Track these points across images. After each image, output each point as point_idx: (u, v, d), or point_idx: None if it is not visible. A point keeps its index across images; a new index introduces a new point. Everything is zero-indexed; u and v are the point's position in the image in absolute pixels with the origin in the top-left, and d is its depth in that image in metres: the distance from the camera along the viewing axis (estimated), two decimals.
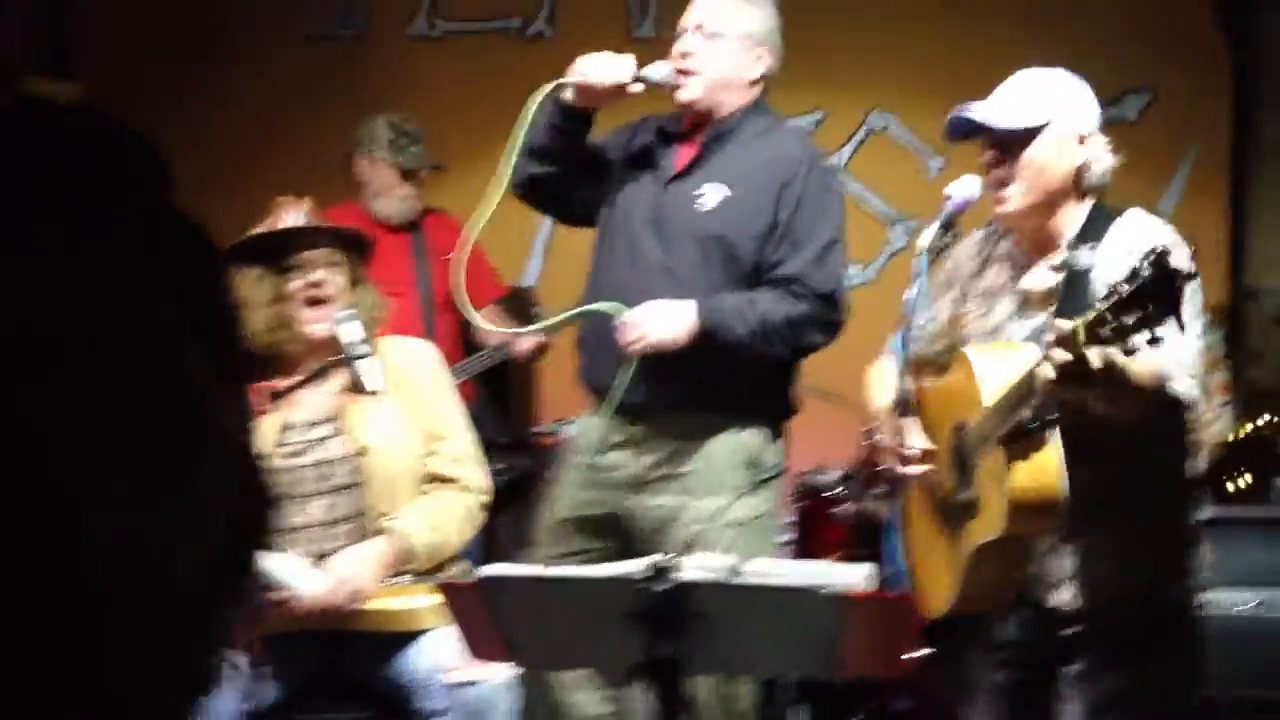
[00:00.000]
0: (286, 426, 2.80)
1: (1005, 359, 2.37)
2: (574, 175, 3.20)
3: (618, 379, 3.00)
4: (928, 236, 2.44)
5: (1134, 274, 1.97)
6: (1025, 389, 2.21)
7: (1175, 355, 2.21)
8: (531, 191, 3.22)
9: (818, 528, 4.31)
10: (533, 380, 5.31)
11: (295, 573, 2.64)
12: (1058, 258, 2.46)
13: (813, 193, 3.07)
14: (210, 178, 5.41)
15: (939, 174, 5.02)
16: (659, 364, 3.00)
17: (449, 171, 4.57)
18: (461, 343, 4.49)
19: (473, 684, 2.66)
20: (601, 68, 3.05)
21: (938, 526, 2.55)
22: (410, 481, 2.82)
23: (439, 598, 2.42)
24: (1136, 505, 2.45)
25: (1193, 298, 2.11)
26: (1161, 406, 2.31)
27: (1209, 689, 2.57)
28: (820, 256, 3.04)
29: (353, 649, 2.75)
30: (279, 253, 2.83)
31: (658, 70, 3.11)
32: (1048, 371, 2.10)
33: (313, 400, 2.81)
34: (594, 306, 3.05)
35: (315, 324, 2.78)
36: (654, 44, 5.30)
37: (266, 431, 2.75)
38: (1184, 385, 2.28)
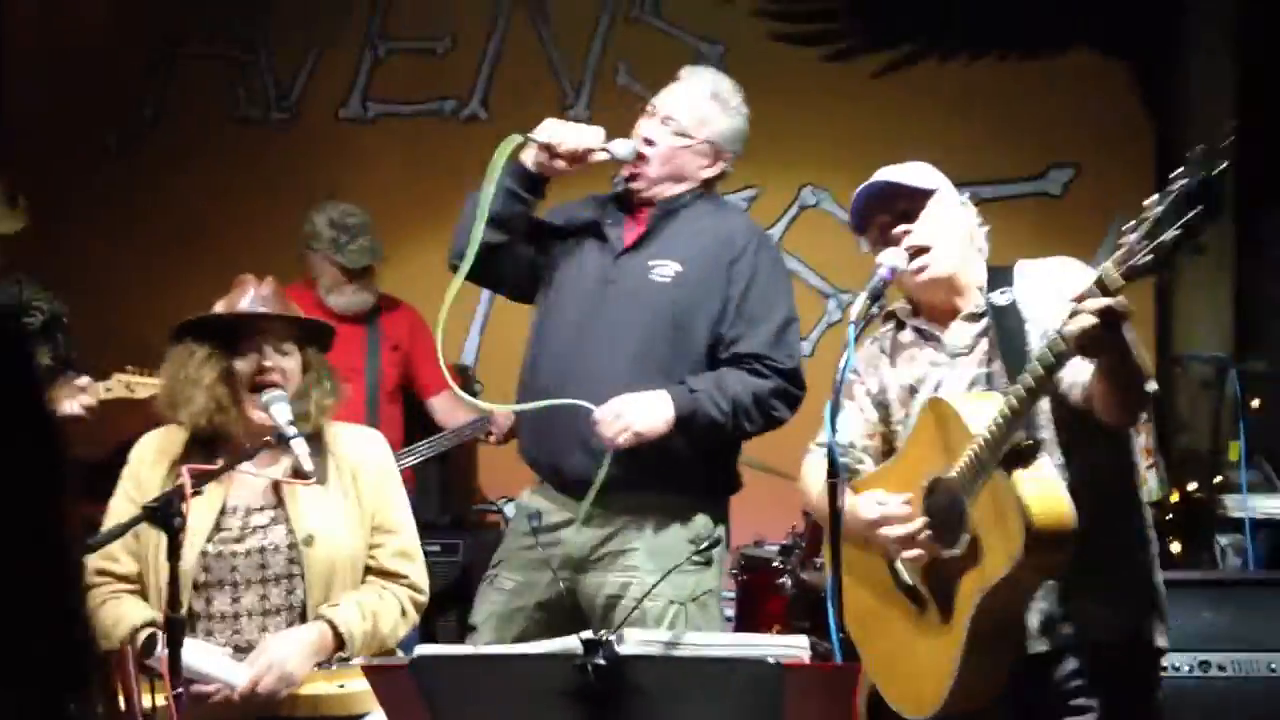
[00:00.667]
0: (226, 510, 2.76)
1: (979, 401, 2.44)
2: (521, 246, 3.20)
3: (599, 472, 2.98)
4: (857, 307, 2.47)
5: (1165, 193, 2.07)
6: (1025, 403, 2.28)
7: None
8: (480, 262, 3.09)
9: (758, 600, 4.30)
10: (473, 458, 5.29)
11: (218, 664, 2.58)
12: (969, 309, 2.60)
13: (764, 270, 3.13)
14: (140, 262, 5.38)
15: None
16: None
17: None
18: (404, 433, 4.47)
19: None
20: (572, 131, 3.09)
21: (911, 620, 2.55)
22: (349, 574, 2.77)
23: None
24: (1120, 546, 2.50)
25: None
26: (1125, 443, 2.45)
27: None
28: (779, 333, 3.10)
29: None
30: (232, 332, 2.79)
31: (622, 147, 3.14)
32: (1082, 321, 2.14)
33: (255, 485, 2.77)
34: (567, 401, 3.00)
35: (257, 408, 2.75)
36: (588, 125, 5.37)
37: (203, 513, 2.70)
38: (1152, 385, 2.38)
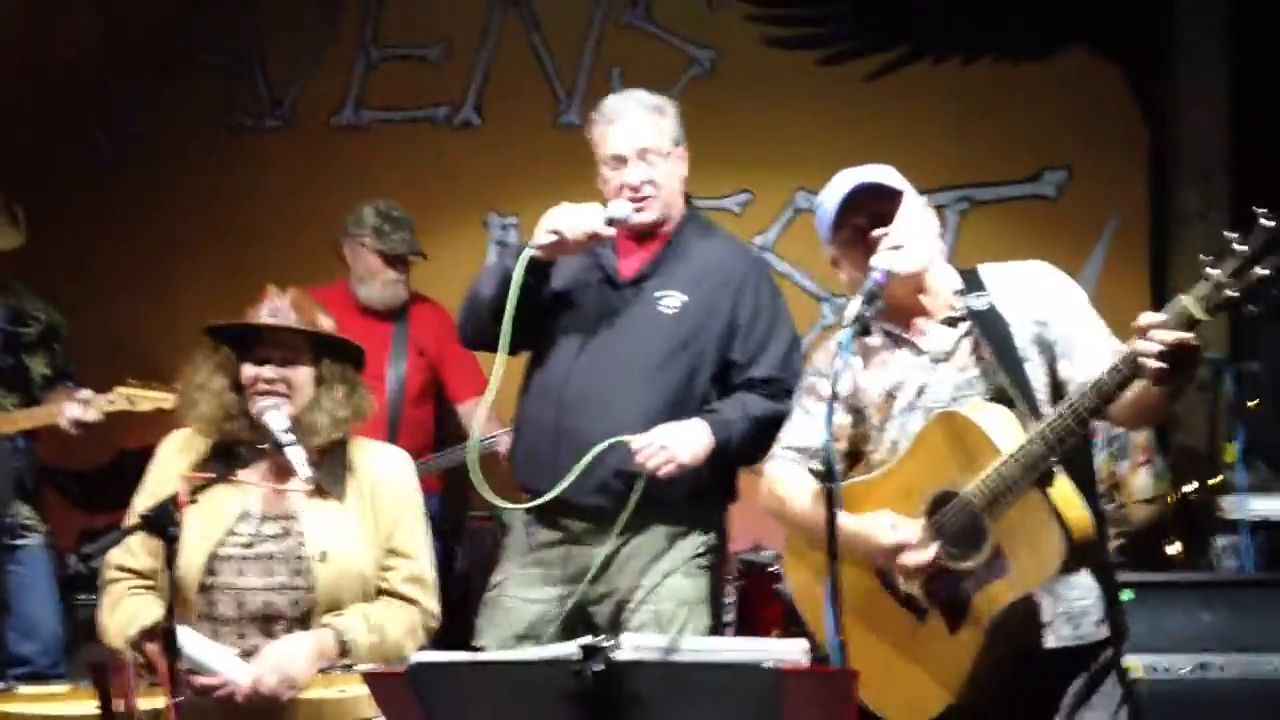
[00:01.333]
0: (242, 516, 2.78)
1: (998, 416, 2.46)
2: (531, 317, 3.21)
3: (631, 498, 3.10)
4: (852, 309, 2.47)
5: (1244, 233, 2.07)
6: (1077, 427, 2.31)
7: None
8: (492, 342, 3.15)
9: (757, 605, 4.29)
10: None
11: (222, 660, 2.58)
12: (944, 314, 2.61)
13: (765, 295, 3.26)
14: (135, 272, 5.37)
15: None
16: (617, 470, 3.11)
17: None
18: (433, 437, 4.48)
19: None
20: (576, 220, 3.12)
21: (907, 629, 2.56)
22: (358, 593, 2.78)
23: None
24: (1104, 547, 2.56)
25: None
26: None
27: None
28: (788, 354, 3.23)
29: None
30: (249, 342, 2.82)
31: (621, 209, 3.18)
32: (1151, 361, 2.16)
33: (275, 494, 2.79)
34: (611, 440, 3.07)
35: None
36: (580, 131, 5.37)
37: (218, 517, 2.73)
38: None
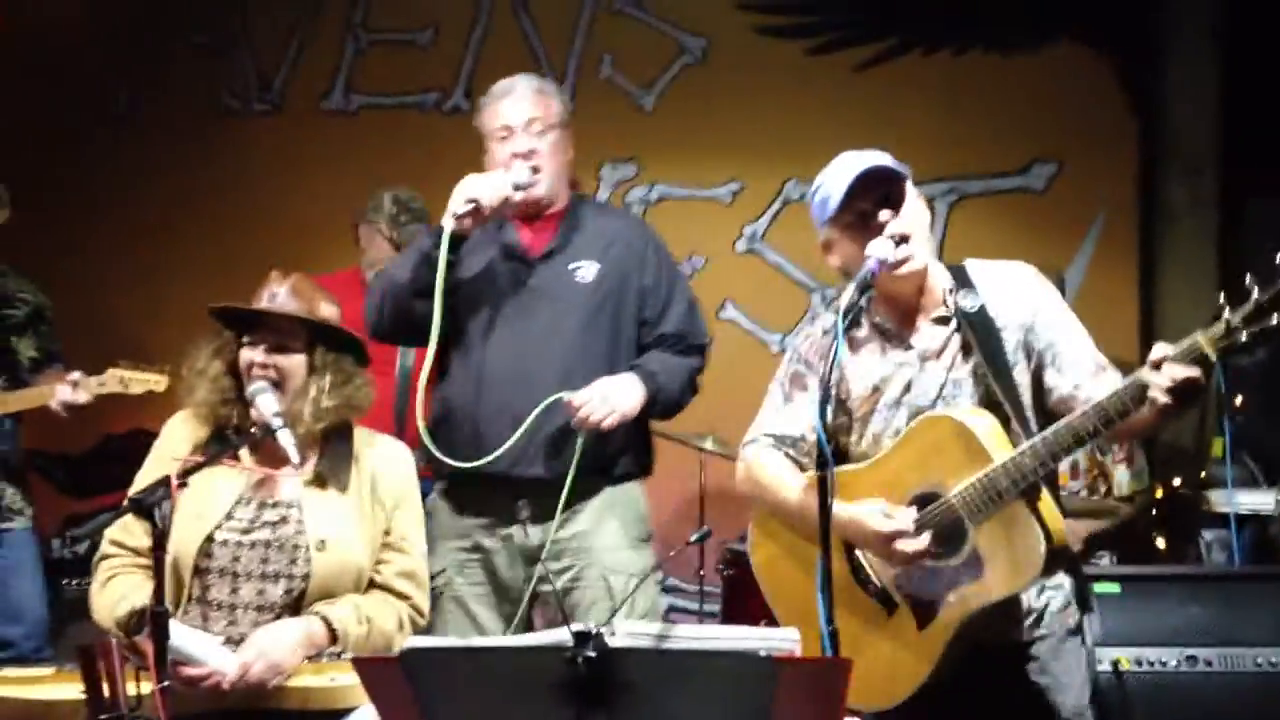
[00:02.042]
0: (241, 501, 2.76)
1: (988, 423, 2.47)
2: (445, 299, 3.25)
3: (574, 457, 3.16)
4: (846, 298, 2.46)
5: (1263, 280, 2.13)
6: (1073, 447, 2.36)
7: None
8: (406, 329, 3.27)
9: (745, 595, 4.28)
10: None
11: (208, 649, 2.56)
12: (935, 312, 2.59)
13: (664, 260, 3.42)
14: (123, 254, 5.34)
15: None
16: (553, 434, 3.17)
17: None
18: None
19: None
20: (488, 188, 3.19)
21: (873, 620, 2.57)
22: (351, 584, 2.77)
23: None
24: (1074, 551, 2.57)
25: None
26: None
27: None
28: (689, 314, 3.40)
29: None
30: (249, 326, 2.82)
31: (522, 174, 3.25)
32: (1160, 395, 2.22)
33: (277, 480, 2.78)
34: (552, 399, 3.14)
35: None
36: (572, 119, 5.35)
37: (217, 500, 2.72)
38: None
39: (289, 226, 5.14)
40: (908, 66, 5.24)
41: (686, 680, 1.98)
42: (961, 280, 2.60)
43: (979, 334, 2.53)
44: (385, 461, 2.90)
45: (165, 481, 2.35)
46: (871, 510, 2.52)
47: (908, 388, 2.58)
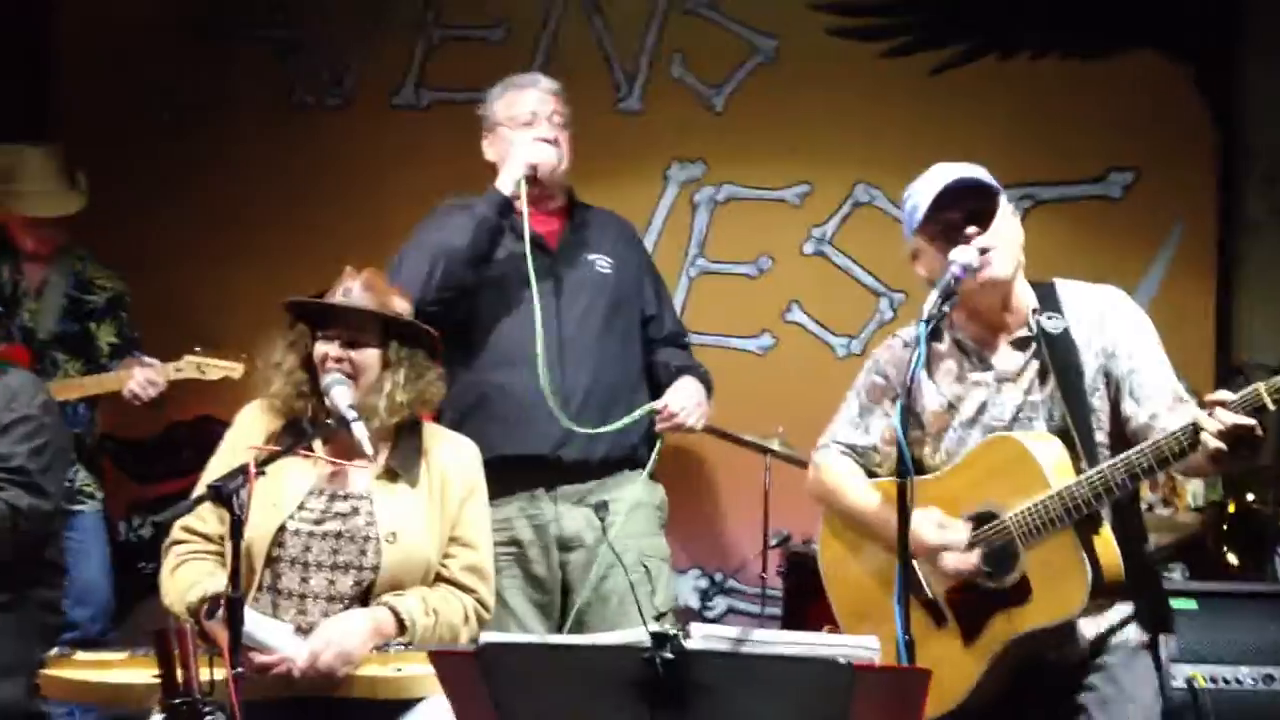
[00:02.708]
0: (314, 491, 2.79)
1: (1054, 450, 2.46)
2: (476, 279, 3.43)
3: (655, 453, 3.50)
4: (929, 305, 2.44)
5: None
6: (1129, 484, 2.34)
7: None
8: (451, 297, 3.34)
9: (807, 601, 4.25)
10: None
11: (279, 636, 2.58)
12: (1018, 332, 2.58)
13: (649, 258, 3.72)
14: (193, 245, 5.38)
15: None
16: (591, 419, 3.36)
17: None
18: None
19: None
20: (545, 154, 3.42)
21: (922, 630, 2.53)
22: (419, 577, 2.79)
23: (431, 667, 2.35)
24: (1136, 549, 2.53)
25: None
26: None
27: None
28: (673, 310, 3.73)
29: (340, 718, 2.67)
30: (324, 320, 2.86)
31: (553, 153, 3.47)
32: (1211, 440, 2.20)
33: (351, 472, 2.81)
34: (644, 410, 3.45)
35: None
36: (640, 116, 5.34)
37: (291, 490, 2.75)
38: None
39: (359, 220, 5.15)
40: (983, 71, 5.17)
41: (762, 685, 1.97)
42: (1048, 301, 2.58)
43: (1059, 358, 2.51)
44: (454, 458, 2.91)
45: (243, 469, 2.37)
46: (925, 518, 2.51)
47: (983, 408, 2.58)
